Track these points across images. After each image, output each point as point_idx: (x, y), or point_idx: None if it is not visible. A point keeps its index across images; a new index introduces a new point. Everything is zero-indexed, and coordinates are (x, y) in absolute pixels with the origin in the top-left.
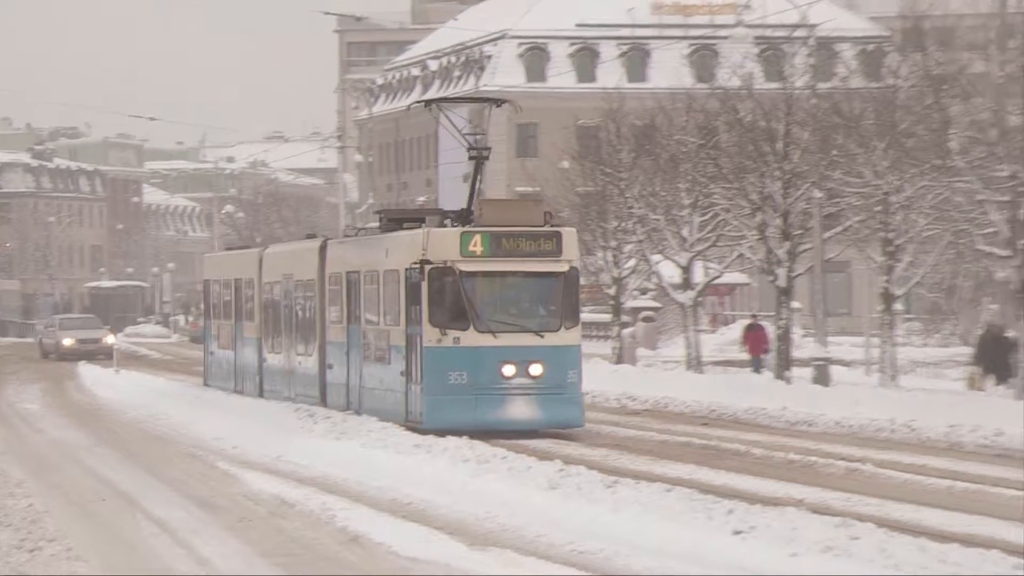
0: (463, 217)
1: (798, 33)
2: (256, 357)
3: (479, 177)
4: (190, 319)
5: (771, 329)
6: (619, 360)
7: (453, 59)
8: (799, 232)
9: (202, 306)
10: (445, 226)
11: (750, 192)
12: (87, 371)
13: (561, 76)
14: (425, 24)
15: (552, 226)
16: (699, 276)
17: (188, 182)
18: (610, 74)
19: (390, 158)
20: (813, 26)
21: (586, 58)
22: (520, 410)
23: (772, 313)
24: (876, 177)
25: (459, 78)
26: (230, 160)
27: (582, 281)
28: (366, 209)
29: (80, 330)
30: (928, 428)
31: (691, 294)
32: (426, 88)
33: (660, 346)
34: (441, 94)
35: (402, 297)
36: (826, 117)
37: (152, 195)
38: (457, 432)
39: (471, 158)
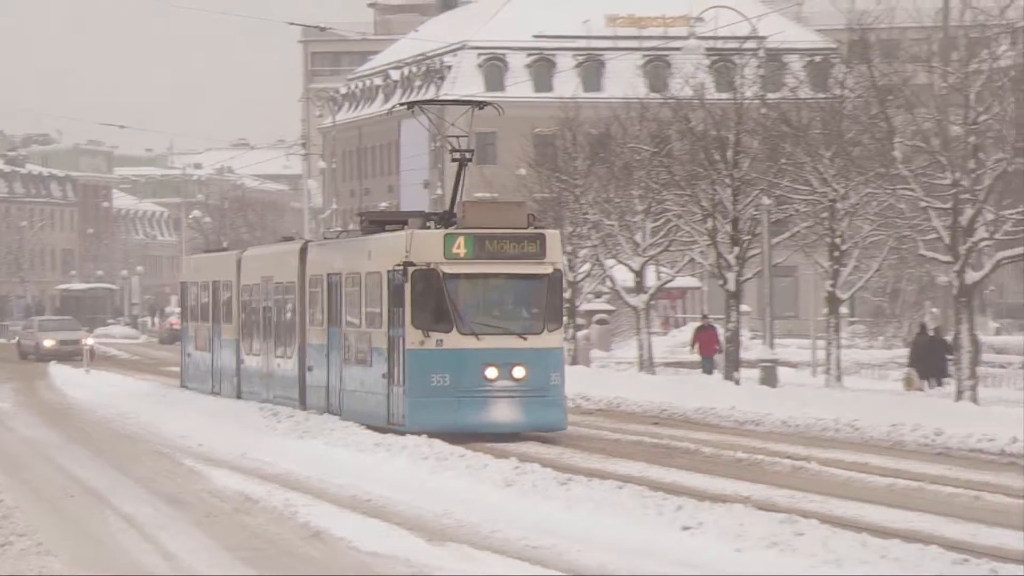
0: (445, 219)
1: (748, 45)
2: (234, 359)
3: (462, 179)
4: (158, 320)
5: (721, 331)
6: (574, 361)
7: (414, 69)
8: (748, 238)
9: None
10: (428, 228)
11: (701, 199)
12: (58, 371)
13: (519, 86)
14: (387, 35)
15: (536, 228)
16: (651, 280)
17: (156, 188)
18: (566, 84)
19: (353, 165)
20: (762, 38)
21: (543, 68)
22: (503, 413)
23: (722, 316)
24: (823, 184)
25: (420, 87)
26: (197, 167)
27: None
28: (330, 214)
29: (60, 332)
30: (871, 427)
31: (644, 297)
32: (388, 97)
33: (613, 348)
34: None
35: (384, 299)
36: (775, 126)
37: (121, 200)
38: (439, 435)
39: (454, 160)
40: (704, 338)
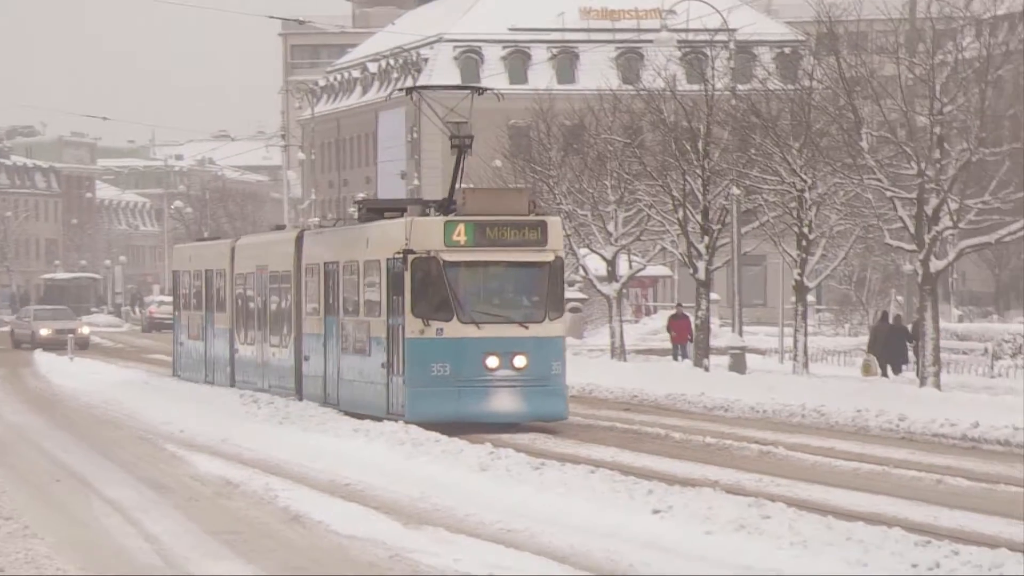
0: (444, 206)
1: (719, 37)
2: (228, 348)
3: (461, 166)
4: (138, 309)
5: (692, 319)
6: None
7: (391, 61)
8: (718, 227)
9: (157, 297)
10: (427, 215)
11: (672, 189)
12: (43, 359)
13: (494, 78)
14: (365, 28)
15: (537, 215)
16: (623, 269)
17: (139, 179)
18: (541, 76)
19: (331, 156)
20: (733, 31)
21: (518, 61)
22: (504, 402)
23: (692, 304)
24: (791, 175)
25: (397, 80)
26: (179, 158)
27: None
28: (308, 205)
29: (56, 320)
30: (837, 413)
31: (616, 286)
32: (366, 89)
33: (586, 335)
34: (380, 95)
35: (383, 288)
36: (745, 117)
37: (104, 191)
38: (440, 425)
39: (454, 146)
40: (677, 326)
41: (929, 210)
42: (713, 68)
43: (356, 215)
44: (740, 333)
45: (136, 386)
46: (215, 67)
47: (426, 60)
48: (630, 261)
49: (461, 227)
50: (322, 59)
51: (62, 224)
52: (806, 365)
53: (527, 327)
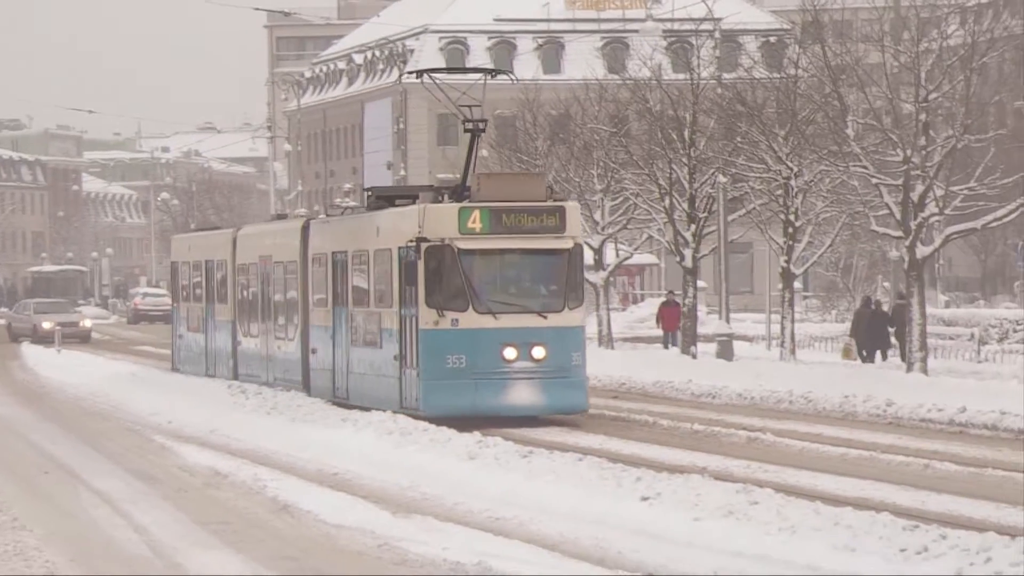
0: (458, 193)
1: (704, 26)
2: (230, 341)
3: (475, 151)
4: (123, 301)
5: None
6: None
7: (377, 53)
8: (704, 215)
9: (142, 288)
10: (440, 202)
11: (659, 177)
12: (31, 351)
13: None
14: (351, 20)
15: (555, 200)
16: (611, 257)
17: (125, 171)
18: (527, 66)
19: (318, 147)
20: (718, 20)
21: (504, 51)
22: (522, 395)
23: (679, 292)
24: (777, 163)
25: (383, 71)
26: (165, 150)
27: None
28: (295, 196)
29: (58, 314)
30: (824, 399)
31: (603, 274)
32: (352, 81)
33: None
34: (366, 86)
35: (395, 277)
36: (730, 106)
37: (91, 184)
38: (456, 419)
39: (467, 131)
40: (668, 314)
41: (915, 197)
42: (699, 57)
43: (366, 202)
44: (727, 320)
45: (124, 378)
46: (201, 59)
47: (412, 51)
48: (617, 249)
49: (476, 214)
50: (308, 51)
51: (49, 217)
52: (793, 351)
53: (546, 317)
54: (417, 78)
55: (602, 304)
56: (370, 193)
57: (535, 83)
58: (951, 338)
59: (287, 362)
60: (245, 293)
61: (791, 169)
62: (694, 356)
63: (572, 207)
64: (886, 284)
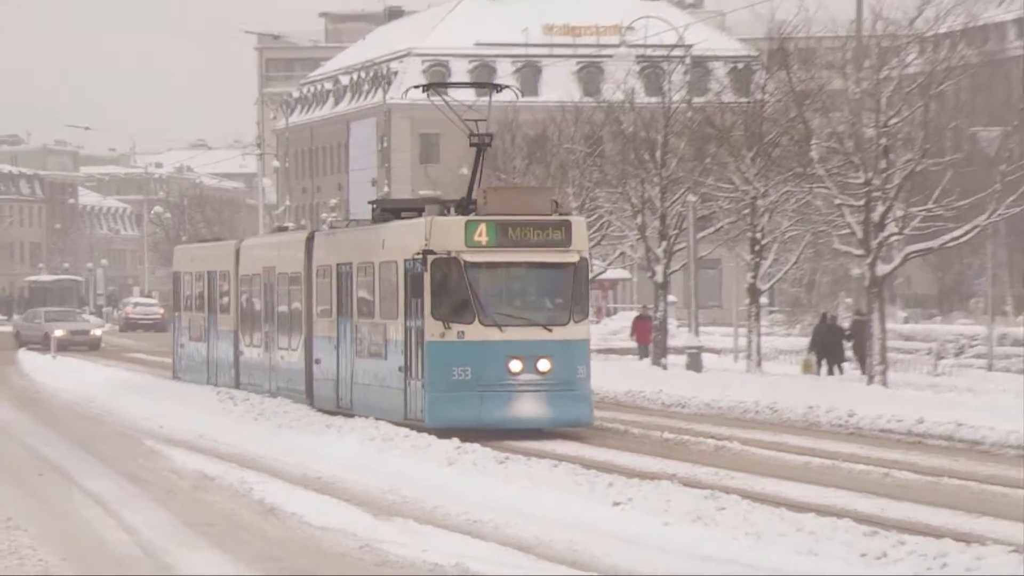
0: (463, 206)
1: (675, 52)
2: (232, 350)
3: (480, 164)
4: (115, 310)
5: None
6: None
7: (362, 74)
8: (675, 232)
9: (135, 298)
10: (446, 215)
11: (632, 196)
12: (26, 357)
13: (460, 90)
14: (337, 43)
15: (560, 214)
16: None
17: (120, 185)
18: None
19: (305, 164)
20: (689, 46)
21: (484, 74)
22: (527, 408)
23: (651, 306)
24: (744, 183)
25: (368, 92)
26: (158, 165)
27: None
28: (283, 211)
29: (69, 322)
30: (789, 409)
31: None
32: (338, 101)
33: None
34: (351, 107)
35: (401, 289)
36: (700, 128)
37: (87, 197)
38: (461, 431)
39: (473, 144)
40: (641, 327)
41: (876, 217)
42: (670, 82)
43: (371, 215)
44: (696, 333)
45: (117, 384)
46: (194, 80)
47: (396, 73)
48: (591, 265)
49: (483, 227)
50: (296, 72)
51: (46, 229)
52: (759, 364)
53: (551, 330)
54: (423, 92)
55: None
56: (375, 206)
57: (513, 105)
58: (910, 352)
59: (290, 372)
60: (248, 304)
61: (758, 189)
62: (665, 367)
63: (578, 221)
64: (848, 300)
